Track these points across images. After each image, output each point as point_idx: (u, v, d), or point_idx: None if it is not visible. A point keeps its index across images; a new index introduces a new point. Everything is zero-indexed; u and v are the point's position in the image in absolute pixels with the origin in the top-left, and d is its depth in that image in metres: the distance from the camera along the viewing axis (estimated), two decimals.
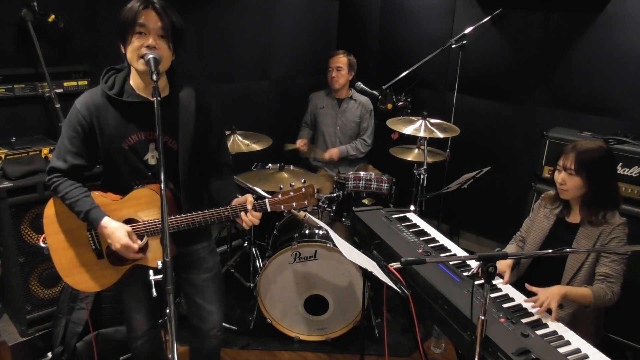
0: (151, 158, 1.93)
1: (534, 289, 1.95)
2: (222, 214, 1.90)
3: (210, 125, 2.01)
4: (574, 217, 2.21)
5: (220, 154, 2.07)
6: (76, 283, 1.97)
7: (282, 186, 1.97)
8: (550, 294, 1.89)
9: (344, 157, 3.83)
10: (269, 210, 1.92)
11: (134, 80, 1.88)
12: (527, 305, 1.90)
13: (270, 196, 1.97)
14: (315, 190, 1.98)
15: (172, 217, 1.87)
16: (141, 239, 1.91)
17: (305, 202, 1.95)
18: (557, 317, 1.83)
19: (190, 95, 1.95)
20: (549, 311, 1.86)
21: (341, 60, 3.70)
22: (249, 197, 1.91)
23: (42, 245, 1.98)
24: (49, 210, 1.94)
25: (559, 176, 2.15)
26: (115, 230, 1.83)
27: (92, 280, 1.97)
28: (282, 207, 1.94)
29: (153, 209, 1.92)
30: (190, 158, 1.96)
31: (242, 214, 1.89)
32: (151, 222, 1.91)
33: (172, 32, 1.80)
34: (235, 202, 1.92)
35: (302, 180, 1.99)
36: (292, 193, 1.94)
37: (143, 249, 1.94)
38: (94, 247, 1.95)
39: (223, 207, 1.91)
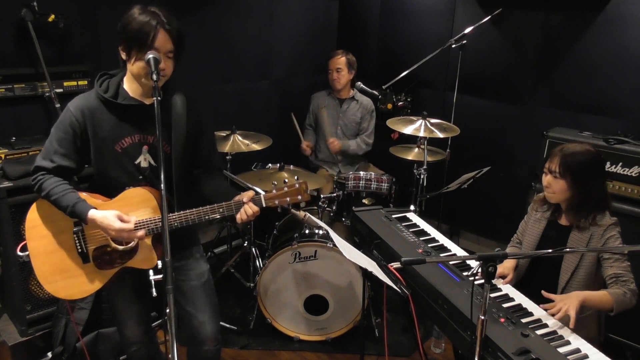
0: (143, 161, 1.92)
1: (552, 296, 1.91)
2: (217, 210, 1.89)
3: (202, 128, 2.02)
4: (565, 220, 2.21)
5: (212, 157, 2.08)
6: (57, 290, 1.92)
7: (275, 182, 1.99)
8: (568, 300, 1.85)
9: (345, 152, 3.83)
10: (264, 205, 1.93)
11: (129, 85, 1.90)
12: (541, 314, 1.85)
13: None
14: (309, 187, 2.00)
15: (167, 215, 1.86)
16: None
17: (299, 197, 1.96)
18: (574, 324, 1.79)
19: (181, 100, 1.96)
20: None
21: (340, 61, 3.70)
22: (248, 192, 1.93)
23: (20, 254, 1.93)
24: (32, 214, 1.90)
25: (545, 179, 2.14)
26: (104, 219, 1.79)
27: (75, 287, 1.93)
28: (277, 202, 1.95)
29: (145, 209, 1.90)
30: (182, 161, 1.96)
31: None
32: (143, 222, 1.86)
33: (179, 49, 1.83)
34: (238, 197, 1.93)
35: (296, 177, 2.01)
36: (286, 188, 1.95)
37: (133, 251, 1.92)
38: (79, 250, 1.91)
39: (218, 204, 1.89)
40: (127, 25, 1.77)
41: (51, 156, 1.85)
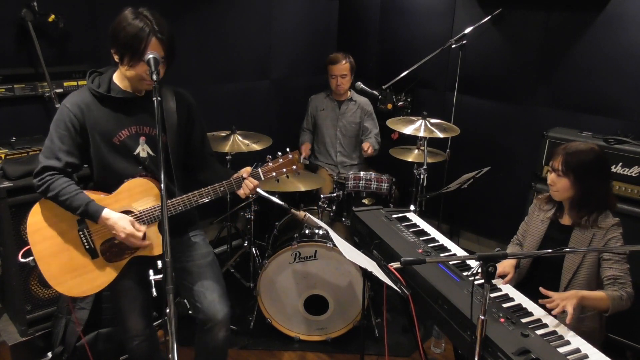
0: (142, 151, 1.97)
1: (550, 293, 1.92)
2: (218, 189, 1.97)
3: (193, 119, 2.09)
4: (567, 219, 2.21)
5: (204, 146, 2.17)
6: (69, 289, 1.93)
7: (270, 156, 2.05)
8: (566, 297, 1.87)
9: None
10: (262, 178, 2.03)
11: (120, 80, 1.94)
12: (540, 315, 1.84)
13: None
14: (301, 156, 2.08)
15: (169, 201, 1.90)
16: None
17: (294, 167, 2.06)
18: (571, 319, 1.80)
19: (169, 93, 2.03)
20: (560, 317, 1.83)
21: (344, 67, 3.68)
22: (246, 168, 2.03)
23: (23, 260, 1.94)
24: (34, 218, 1.89)
25: (549, 177, 2.16)
26: (118, 220, 1.86)
27: (87, 283, 1.95)
28: (274, 173, 2.05)
29: (147, 198, 1.94)
30: (178, 151, 2.02)
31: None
32: (146, 211, 1.92)
33: (171, 55, 1.87)
34: (234, 177, 2.02)
35: (287, 149, 2.06)
36: (280, 160, 2.04)
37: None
38: (87, 246, 1.93)
39: (218, 183, 1.97)
40: (120, 31, 1.80)
41: (57, 154, 1.86)
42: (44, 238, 1.90)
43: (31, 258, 1.90)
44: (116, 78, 1.94)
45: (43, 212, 1.91)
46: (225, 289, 2.19)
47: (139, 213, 1.92)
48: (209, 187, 1.96)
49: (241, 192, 2.01)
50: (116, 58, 1.86)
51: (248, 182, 2.00)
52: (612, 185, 2.29)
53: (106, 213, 1.85)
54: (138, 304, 2.13)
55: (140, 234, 1.88)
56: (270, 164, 2.05)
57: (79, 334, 2.56)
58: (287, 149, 2.08)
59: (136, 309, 2.14)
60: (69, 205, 1.85)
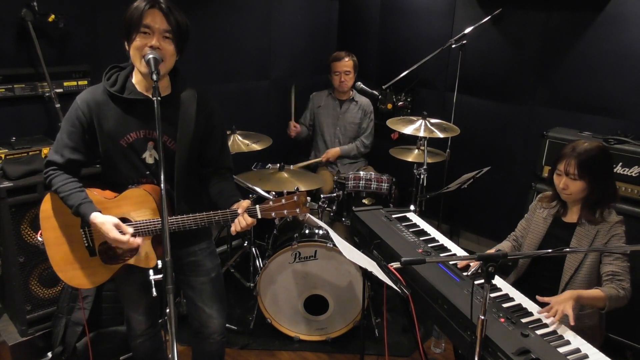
0: (149, 157, 1.92)
1: (546, 299, 1.91)
2: (213, 218, 1.87)
3: (212, 128, 2.00)
4: (571, 217, 2.21)
5: (222, 157, 2.06)
6: (69, 279, 1.98)
7: (274, 193, 1.96)
8: (562, 300, 1.86)
9: (345, 156, 3.84)
10: (259, 216, 1.89)
11: (137, 78, 1.88)
12: (540, 315, 1.85)
13: (270, 196, 1.97)
14: (308, 199, 1.95)
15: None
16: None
17: (297, 210, 1.91)
18: (574, 320, 1.79)
19: (192, 97, 1.94)
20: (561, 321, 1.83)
21: (348, 64, 3.70)
22: (243, 202, 1.89)
23: (40, 239, 2.00)
24: (46, 205, 1.94)
25: (561, 181, 2.13)
26: (103, 225, 1.81)
27: (84, 277, 1.99)
28: (273, 214, 1.91)
29: (145, 210, 1.91)
30: (187, 159, 1.94)
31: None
32: (142, 223, 1.88)
33: (177, 32, 1.80)
34: (235, 205, 1.90)
35: (295, 188, 1.98)
36: (283, 200, 1.90)
37: (136, 250, 1.93)
38: (87, 244, 1.96)
39: (214, 212, 1.88)
40: (125, 15, 1.77)
41: (62, 150, 1.87)
42: (51, 227, 1.95)
43: (42, 240, 1.97)
44: (134, 76, 1.89)
45: (53, 202, 1.94)
46: (225, 300, 2.21)
47: (135, 223, 1.89)
48: (205, 214, 1.87)
49: (233, 229, 1.86)
50: (126, 46, 1.81)
51: (242, 219, 1.84)
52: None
53: (93, 216, 1.82)
54: (142, 305, 2.15)
55: (125, 237, 1.82)
56: (271, 203, 1.90)
57: (79, 334, 2.56)
58: (296, 187, 1.97)
59: (139, 309, 2.16)
60: (65, 203, 1.87)
